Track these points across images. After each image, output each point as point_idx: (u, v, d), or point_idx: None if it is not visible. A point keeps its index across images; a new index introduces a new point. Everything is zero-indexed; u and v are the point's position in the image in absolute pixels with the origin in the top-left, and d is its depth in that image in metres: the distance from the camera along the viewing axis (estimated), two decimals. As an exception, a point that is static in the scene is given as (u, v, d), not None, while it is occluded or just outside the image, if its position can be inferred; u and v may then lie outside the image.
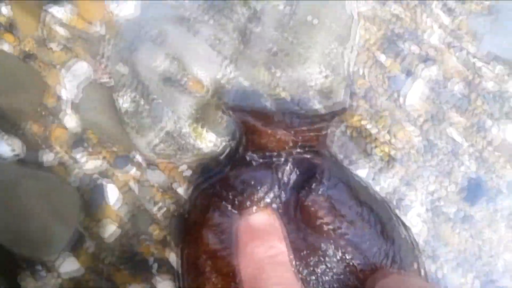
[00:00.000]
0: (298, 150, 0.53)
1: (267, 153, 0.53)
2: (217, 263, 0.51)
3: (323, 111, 0.59)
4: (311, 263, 0.50)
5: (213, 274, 0.51)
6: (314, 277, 0.50)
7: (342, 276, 0.50)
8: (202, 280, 0.52)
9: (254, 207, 0.50)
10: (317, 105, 0.61)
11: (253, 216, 0.49)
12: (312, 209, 0.50)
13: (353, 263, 0.50)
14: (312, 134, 0.53)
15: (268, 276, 0.43)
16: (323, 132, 0.54)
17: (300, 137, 0.53)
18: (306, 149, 0.54)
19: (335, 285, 0.50)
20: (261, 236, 0.48)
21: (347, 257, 0.50)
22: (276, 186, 0.51)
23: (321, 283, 0.50)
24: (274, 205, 0.51)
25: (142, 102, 0.56)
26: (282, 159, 0.52)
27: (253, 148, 0.53)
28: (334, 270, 0.50)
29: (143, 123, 0.56)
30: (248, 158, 0.53)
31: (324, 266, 0.50)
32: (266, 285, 0.42)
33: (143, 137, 0.56)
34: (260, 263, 0.45)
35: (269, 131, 0.52)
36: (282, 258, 0.47)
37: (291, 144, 0.53)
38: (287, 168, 0.52)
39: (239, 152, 0.56)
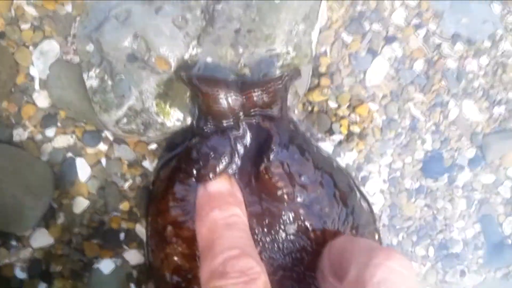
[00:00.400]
0: (248, 114, 0.54)
1: (219, 120, 0.54)
2: (180, 230, 0.54)
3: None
4: (267, 226, 0.52)
5: (176, 241, 0.54)
6: (269, 239, 0.53)
7: (294, 237, 0.53)
8: (166, 246, 0.54)
9: (212, 175, 0.51)
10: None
11: (210, 183, 0.51)
12: (266, 176, 0.52)
13: (305, 224, 0.52)
14: (260, 94, 0.54)
15: (222, 238, 0.45)
16: (271, 91, 0.54)
17: (248, 100, 0.53)
18: (256, 112, 0.55)
19: (289, 245, 0.53)
20: (217, 201, 0.49)
21: (300, 219, 0.52)
22: (232, 154, 0.53)
23: (275, 244, 0.53)
24: (230, 171, 0.53)
25: (107, 80, 0.58)
26: (233, 124, 0.54)
27: (205, 115, 0.55)
28: (288, 231, 0.53)
29: (108, 99, 0.58)
30: (202, 127, 0.55)
31: (278, 228, 0.52)
32: (220, 248, 0.43)
33: (108, 113, 0.57)
34: (215, 226, 0.47)
35: (218, 95, 0.52)
36: (237, 221, 0.48)
37: (240, 109, 0.54)
38: (240, 133, 0.54)
39: (194, 123, 0.58)
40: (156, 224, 0.56)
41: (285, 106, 0.58)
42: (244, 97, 0.53)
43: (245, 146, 0.54)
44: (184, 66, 0.58)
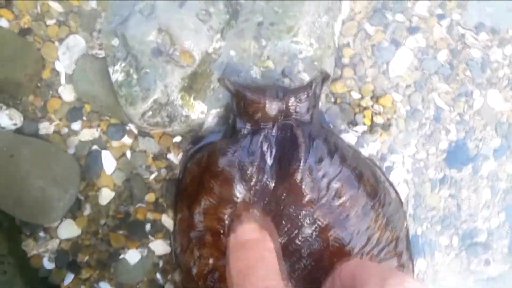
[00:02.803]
0: (284, 117, 0.56)
1: (258, 123, 0.55)
2: (215, 238, 0.55)
3: (307, 79, 0.61)
4: (287, 227, 0.53)
5: (212, 246, 0.55)
6: (289, 240, 0.54)
7: (312, 239, 0.54)
8: (202, 249, 0.55)
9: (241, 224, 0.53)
10: (302, 74, 0.63)
11: (241, 232, 0.53)
12: (297, 184, 0.52)
13: (324, 226, 0.53)
14: (296, 100, 0.56)
15: (257, 270, 0.48)
16: (304, 96, 0.56)
17: (286, 106, 0.55)
18: (292, 116, 0.56)
19: (307, 246, 0.54)
20: (249, 246, 0.51)
21: (320, 220, 0.53)
22: (264, 157, 0.54)
23: (294, 245, 0.54)
24: (263, 177, 0.54)
25: (133, 74, 0.59)
26: (269, 126, 0.55)
27: (244, 116, 0.56)
28: (307, 233, 0.53)
29: (134, 93, 0.58)
30: (239, 126, 0.56)
31: (298, 230, 0.53)
32: (255, 279, 0.46)
33: (133, 106, 0.58)
34: (247, 265, 0.49)
35: (262, 103, 0.55)
36: (269, 257, 0.50)
37: (280, 114, 0.56)
38: (274, 135, 0.55)
39: (230, 122, 0.59)
40: (184, 219, 0.57)
41: (317, 110, 0.59)
42: (281, 102, 0.55)
43: (275, 147, 0.55)
44: (213, 66, 0.59)
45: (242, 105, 0.56)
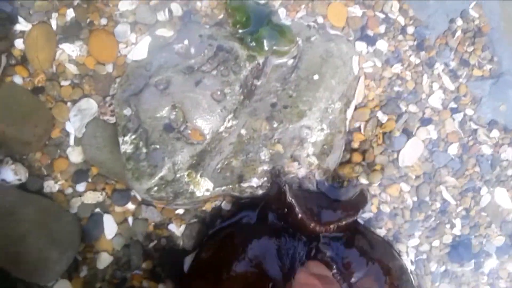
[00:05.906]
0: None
1: (291, 226, 0.59)
2: None
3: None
4: None
5: None
6: None
7: None
8: None
9: None
10: (312, 158, 0.63)
11: None
12: None
13: None
14: (333, 228, 0.59)
15: None
16: (341, 226, 0.59)
17: (324, 230, 0.59)
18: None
19: None
20: None
21: None
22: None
23: None
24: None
25: (142, 147, 0.58)
26: (298, 237, 0.59)
27: (281, 217, 0.59)
28: None
29: (141, 168, 0.58)
30: (271, 220, 0.60)
31: None
32: None
33: (139, 181, 0.58)
34: None
35: (304, 220, 0.57)
36: None
37: (313, 231, 0.59)
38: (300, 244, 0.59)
39: (267, 214, 0.61)
40: None
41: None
42: (321, 225, 0.59)
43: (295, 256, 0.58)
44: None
45: (288, 212, 0.58)
